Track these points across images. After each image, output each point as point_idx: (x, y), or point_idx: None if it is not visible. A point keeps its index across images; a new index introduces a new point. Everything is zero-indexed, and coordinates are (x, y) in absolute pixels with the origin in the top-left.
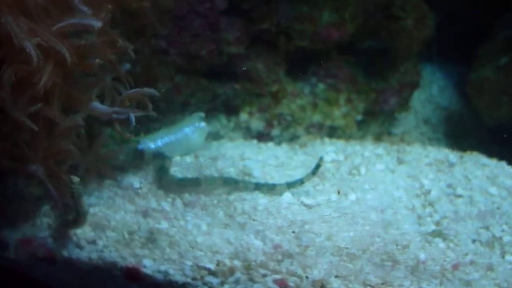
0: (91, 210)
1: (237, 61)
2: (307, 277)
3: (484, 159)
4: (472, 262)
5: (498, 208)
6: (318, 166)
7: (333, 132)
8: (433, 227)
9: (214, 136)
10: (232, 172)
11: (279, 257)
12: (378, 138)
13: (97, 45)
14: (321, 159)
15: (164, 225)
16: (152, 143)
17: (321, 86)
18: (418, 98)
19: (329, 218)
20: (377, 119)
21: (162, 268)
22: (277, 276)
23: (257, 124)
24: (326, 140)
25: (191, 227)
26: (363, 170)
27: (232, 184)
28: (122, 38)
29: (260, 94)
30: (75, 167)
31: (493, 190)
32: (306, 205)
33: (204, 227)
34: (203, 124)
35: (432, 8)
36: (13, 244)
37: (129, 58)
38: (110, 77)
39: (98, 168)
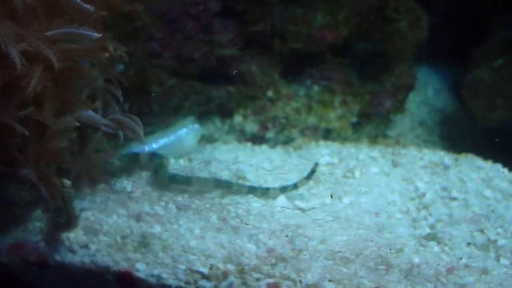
0: (84, 214)
1: (231, 64)
2: (300, 281)
3: (479, 161)
4: (466, 266)
5: (493, 211)
6: (313, 171)
7: (328, 135)
8: (427, 230)
9: (208, 139)
10: (225, 175)
11: (273, 261)
12: (373, 141)
13: (88, 49)
14: (316, 164)
15: (157, 229)
16: (146, 146)
17: (316, 88)
18: (413, 101)
19: (322, 222)
20: (372, 122)
21: (155, 272)
22: (271, 280)
23: (251, 126)
24: (321, 142)
25: (184, 231)
26: (357, 173)
27: (225, 187)
28: (114, 41)
29: (254, 97)
30: (67, 171)
31: (488, 193)
32: (300, 209)
33: (197, 231)
34: (196, 126)
35: (427, 10)
36: (4, 249)
37: (122, 60)
38: (102, 78)
39: (90, 172)
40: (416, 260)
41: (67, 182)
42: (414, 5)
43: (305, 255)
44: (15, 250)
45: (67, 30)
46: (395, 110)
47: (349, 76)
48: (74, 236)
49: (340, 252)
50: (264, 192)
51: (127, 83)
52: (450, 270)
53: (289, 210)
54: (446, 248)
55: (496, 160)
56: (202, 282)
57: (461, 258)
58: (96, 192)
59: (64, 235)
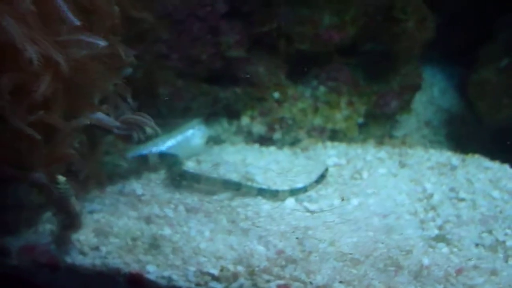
0: (94, 216)
1: (238, 65)
2: (311, 283)
3: (486, 162)
4: (475, 267)
5: (501, 212)
6: (323, 176)
7: (334, 136)
8: (436, 231)
9: (215, 140)
10: (234, 177)
11: (283, 262)
12: (379, 141)
13: (99, 55)
14: (326, 169)
15: (167, 231)
16: (153, 147)
17: (322, 89)
18: (419, 100)
19: (332, 224)
20: (378, 122)
21: (166, 274)
22: (281, 282)
23: (258, 128)
24: (328, 143)
25: (194, 233)
26: (365, 174)
27: (233, 188)
28: (123, 45)
29: (261, 98)
30: (75, 173)
31: (495, 193)
32: (309, 211)
33: (207, 233)
34: (202, 127)
35: (433, 9)
36: (15, 251)
37: (131, 63)
38: (112, 83)
39: (99, 175)
40: (425, 261)
41: (62, 179)
42: (421, 5)
43: (315, 256)
44: (26, 252)
45: (77, 38)
46: (401, 110)
47: (355, 77)
48: (85, 238)
49: (350, 254)
50: (273, 194)
51: (135, 86)
52: (459, 271)
53: (299, 211)
54: (455, 249)
55: (503, 159)
56: (213, 284)
57: (470, 259)
58: (105, 194)
59: (74, 237)
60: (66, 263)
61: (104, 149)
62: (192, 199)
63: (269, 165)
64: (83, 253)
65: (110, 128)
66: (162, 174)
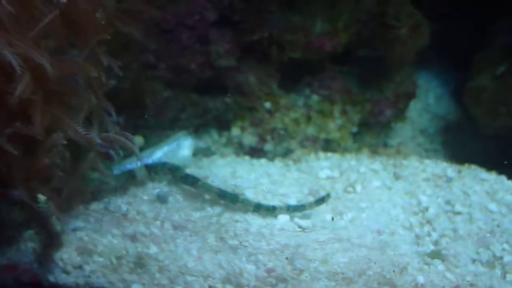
0: (77, 234)
1: (228, 74)
2: None
3: (483, 173)
4: (472, 285)
5: (498, 225)
6: (323, 199)
7: (328, 145)
8: (431, 247)
9: (205, 153)
10: None
11: (273, 281)
12: (373, 150)
13: (81, 64)
14: (328, 195)
15: (153, 249)
16: (139, 161)
17: (315, 97)
18: (414, 108)
19: (324, 240)
20: (372, 131)
21: None
22: None
23: (249, 139)
24: (321, 154)
25: (181, 251)
26: (359, 187)
27: (229, 200)
28: (107, 56)
29: (252, 108)
30: (58, 190)
31: (492, 206)
32: (300, 227)
33: (194, 251)
34: (190, 139)
35: (427, 15)
36: None
37: (115, 74)
38: (94, 97)
39: (83, 191)
40: (420, 279)
41: (42, 198)
42: (414, 11)
43: (306, 276)
44: (8, 271)
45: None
46: (395, 119)
47: (349, 85)
48: (68, 256)
49: (342, 273)
50: (270, 211)
51: (122, 97)
52: None
53: (290, 227)
54: (451, 266)
55: (499, 168)
56: None
57: (466, 278)
58: (89, 211)
59: (57, 256)
60: (49, 281)
61: (90, 165)
62: (179, 215)
63: (260, 178)
64: (66, 272)
65: (92, 144)
66: (148, 189)
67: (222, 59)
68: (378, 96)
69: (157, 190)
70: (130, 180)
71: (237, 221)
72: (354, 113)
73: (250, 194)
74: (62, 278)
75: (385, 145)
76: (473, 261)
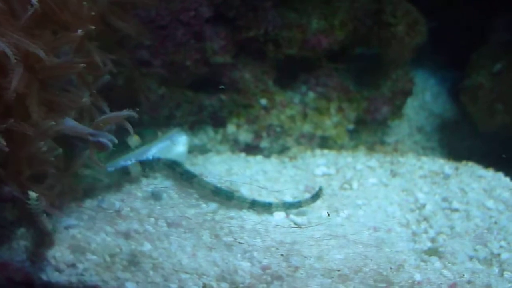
0: (70, 232)
1: (224, 71)
2: None
3: (480, 170)
4: (469, 282)
5: (495, 223)
6: (317, 195)
7: (324, 143)
8: (428, 244)
9: (200, 150)
10: None
11: (268, 279)
12: (370, 148)
13: (73, 64)
14: (320, 189)
15: (147, 247)
16: (133, 158)
17: (311, 95)
18: (411, 105)
19: (320, 237)
20: (369, 128)
21: None
22: None
23: (245, 136)
24: (317, 151)
25: (175, 248)
26: (355, 184)
27: (224, 197)
28: (100, 52)
29: (248, 105)
30: (51, 187)
31: (490, 203)
32: (296, 224)
33: (189, 249)
34: (184, 136)
35: (425, 12)
36: None
37: (109, 70)
38: (88, 94)
39: (75, 189)
40: (417, 277)
41: (33, 195)
42: (411, 9)
43: (301, 273)
44: (0, 270)
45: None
46: (392, 116)
47: (345, 82)
48: (61, 254)
49: (338, 270)
50: (267, 208)
51: (116, 93)
52: (452, 287)
53: (285, 224)
54: (448, 263)
55: (496, 165)
56: None
57: (463, 275)
58: (83, 209)
59: (50, 254)
60: (42, 280)
61: (84, 162)
62: (173, 212)
63: (255, 175)
64: (58, 270)
65: (84, 136)
66: (142, 186)
67: (218, 56)
68: (374, 93)
69: (151, 187)
70: (124, 176)
71: (232, 218)
72: (350, 110)
73: (246, 191)
74: (55, 277)
75: (382, 142)
76: (470, 258)
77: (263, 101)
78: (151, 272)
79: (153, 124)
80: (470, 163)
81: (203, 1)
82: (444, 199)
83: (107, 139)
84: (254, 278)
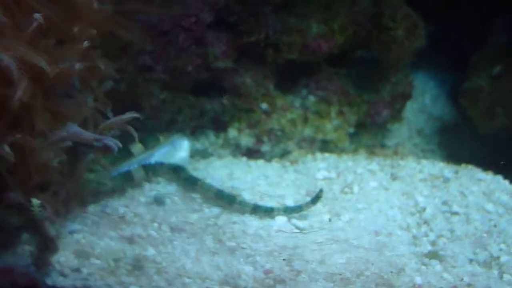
0: (75, 236)
1: (225, 76)
2: None
3: (479, 173)
4: (469, 285)
5: (495, 226)
6: (318, 197)
7: (324, 146)
8: (429, 247)
9: (202, 154)
10: None
11: (271, 283)
12: (370, 151)
13: (77, 71)
14: (321, 191)
15: (150, 251)
16: (136, 163)
17: (312, 98)
18: (410, 108)
19: (321, 241)
20: (369, 132)
21: None
22: None
23: (246, 140)
24: (318, 155)
25: (179, 253)
26: (356, 188)
27: (226, 200)
28: (103, 59)
29: (249, 109)
30: (56, 193)
31: (489, 206)
32: (298, 228)
33: (192, 253)
34: (185, 141)
35: (424, 16)
36: None
37: (112, 76)
38: (91, 98)
39: (80, 194)
40: (418, 280)
41: (36, 202)
42: (411, 12)
43: (304, 277)
44: (4, 275)
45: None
46: (392, 119)
47: (346, 86)
48: (65, 259)
49: (340, 273)
50: (268, 212)
51: (118, 99)
52: None
53: (287, 228)
54: (448, 267)
55: (496, 168)
56: None
57: (463, 278)
58: (87, 214)
59: (54, 259)
60: (46, 285)
61: (87, 167)
62: (176, 217)
63: (257, 180)
64: (63, 275)
65: (88, 142)
66: (145, 191)
67: (219, 61)
68: (374, 97)
69: (154, 192)
70: (127, 181)
71: (234, 222)
72: (350, 114)
73: (247, 196)
74: (60, 281)
75: (382, 145)
76: (470, 261)
77: (264, 106)
78: (155, 277)
79: (155, 129)
80: (470, 166)
81: (204, 6)
82: (444, 203)
83: (112, 142)
84: (257, 282)
